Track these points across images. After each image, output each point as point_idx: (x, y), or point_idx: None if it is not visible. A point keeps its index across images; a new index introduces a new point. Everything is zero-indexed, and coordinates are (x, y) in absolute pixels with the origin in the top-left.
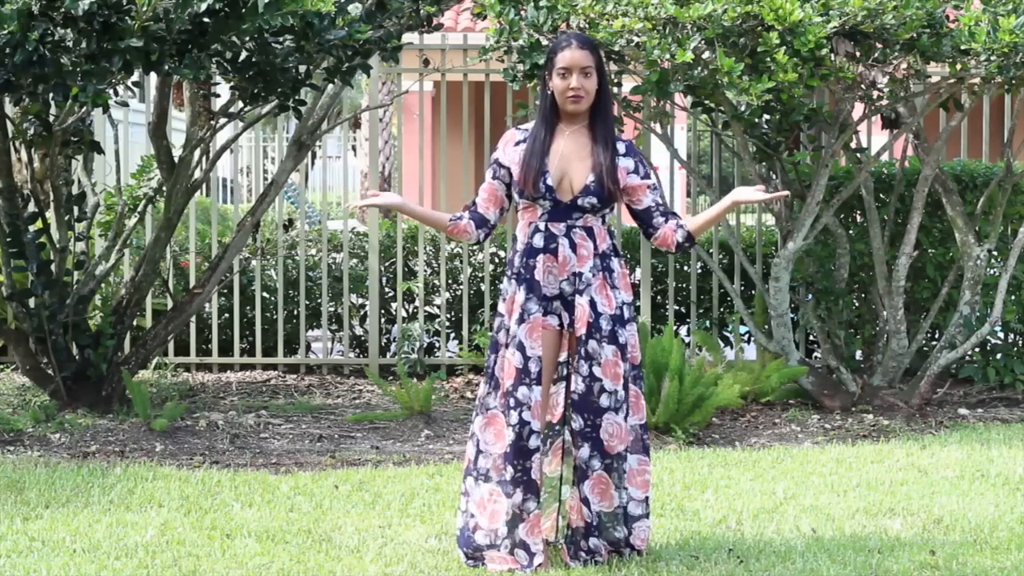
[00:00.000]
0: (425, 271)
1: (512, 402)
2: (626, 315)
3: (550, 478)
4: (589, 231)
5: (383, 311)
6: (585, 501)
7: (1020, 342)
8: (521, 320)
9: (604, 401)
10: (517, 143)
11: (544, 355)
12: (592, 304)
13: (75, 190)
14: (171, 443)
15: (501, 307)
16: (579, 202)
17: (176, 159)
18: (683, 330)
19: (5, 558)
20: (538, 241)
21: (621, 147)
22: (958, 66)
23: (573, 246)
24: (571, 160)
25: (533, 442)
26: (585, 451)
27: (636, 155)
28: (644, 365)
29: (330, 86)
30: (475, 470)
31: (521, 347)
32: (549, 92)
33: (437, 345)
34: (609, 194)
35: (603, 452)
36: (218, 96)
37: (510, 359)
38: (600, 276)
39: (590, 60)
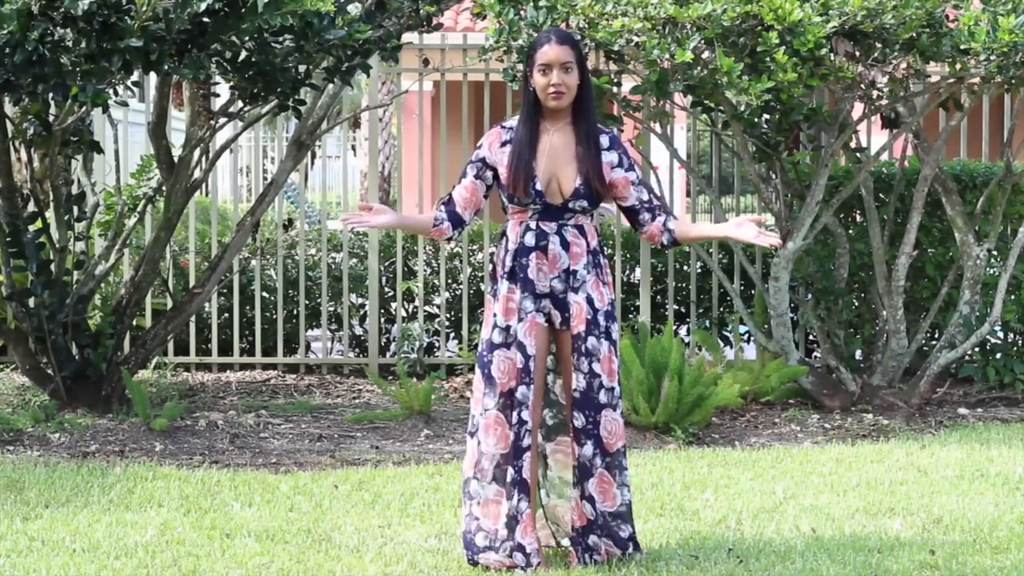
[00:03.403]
0: (425, 271)
1: (513, 402)
2: (614, 312)
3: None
4: (580, 228)
5: (383, 311)
6: (590, 499)
7: (1020, 342)
8: (520, 319)
9: (603, 398)
10: (503, 143)
11: (537, 353)
12: (589, 301)
13: (75, 190)
14: (171, 443)
15: (494, 307)
16: (570, 205)
17: (176, 159)
18: (683, 330)
19: (5, 558)
20: (530, 240)
21: (604, 140)
22: (958, 66)
23: (565, 244)
24: (558, 162)
25: (527, 441)
26: (588, 448)
27: (619, 147)
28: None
29: (330, 86)
30: (479, 472)
31: (521, 346)
32: (531, 89)
33: (437, 345)
34: (598, 196)
35: (603, 450)
36: (218, 96)
37: (512, 359)
38: (593, 273)
39: (570, 55)
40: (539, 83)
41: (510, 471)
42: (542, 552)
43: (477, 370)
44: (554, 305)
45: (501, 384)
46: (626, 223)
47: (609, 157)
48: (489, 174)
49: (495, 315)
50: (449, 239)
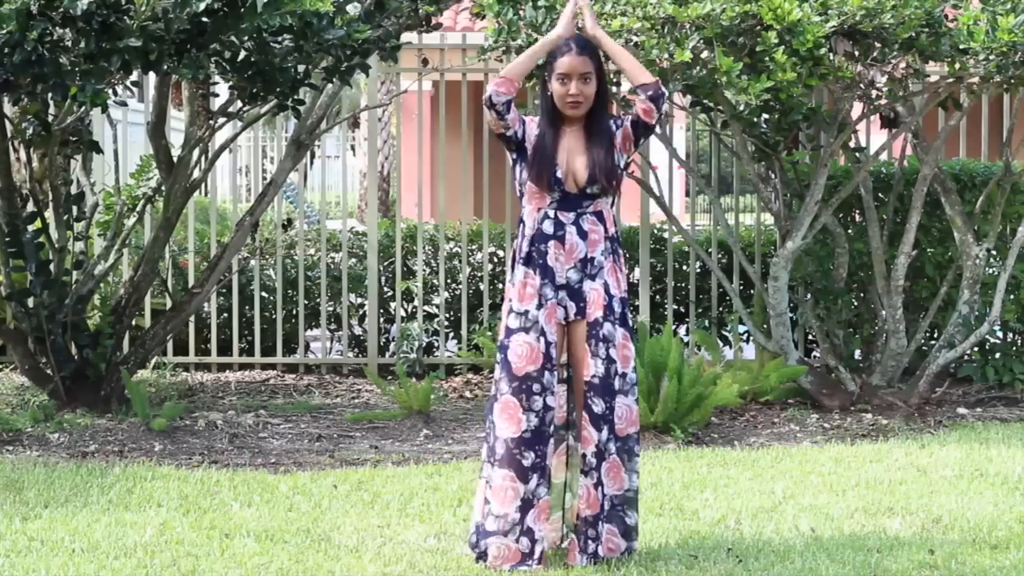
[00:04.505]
0: (424, 270)
1: (537, 387)
2: (627, 300)
3: (555, 483)
4: (599, 215)
5: (382, 311)
6: (601, 484)
7: (1019, 341)
8: (540, 305)
9: (617, 384)
10: (535, 134)
11: (557, 340)
12: (605, 287)
13: (74, 190)
14: (170, 443)
15: (511, 292)
16: (587, 191)
17: (175, 159)
18: (682, 329)
19: (4, 558)
20: (547, 227)
21: (612, 126)
22: (957, 65)
23: (583, 233)
24: (574, 156)
25: (552, 427)
26: (604, 433)
27: (616, 120)
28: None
29: (329, 86)
30: (492, 456)
31: (542, 332)
32: (549, 94)
33: (436, 345)
34: (607, 184)
35: (615, 435)
36: (217, 96)
37: (533, 344)
38: (610, 259)
39: (589, 66)
40: (557, 91)
41: (531, 456)
42: (544, 544)
43: (497, 354)
44: (569, 296)
45: (516, 369)
46: (627, 221)
47: (616, 133)
48: (518, 128)
49: (511, 300)
50: (498, 114)
